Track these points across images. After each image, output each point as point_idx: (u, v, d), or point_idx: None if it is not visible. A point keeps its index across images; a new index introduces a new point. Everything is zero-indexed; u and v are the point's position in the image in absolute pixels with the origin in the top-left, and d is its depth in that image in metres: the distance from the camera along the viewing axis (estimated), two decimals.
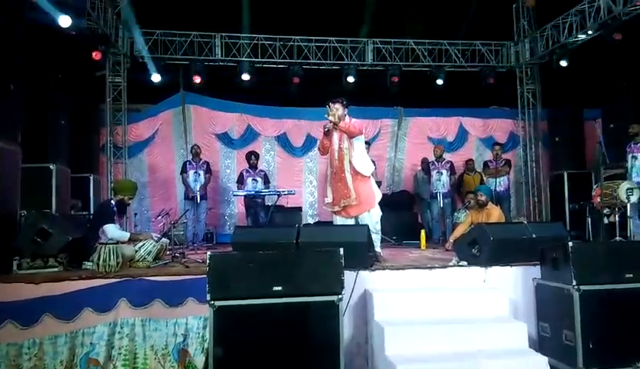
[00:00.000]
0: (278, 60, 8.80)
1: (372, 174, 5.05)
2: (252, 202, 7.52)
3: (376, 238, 4.89)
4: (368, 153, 5.39)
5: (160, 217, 6.13)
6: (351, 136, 4.83)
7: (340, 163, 4.82)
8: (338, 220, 4.93)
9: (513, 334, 3.69)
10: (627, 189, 5.45)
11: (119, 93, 8.39)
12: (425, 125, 9.54)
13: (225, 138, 9.03)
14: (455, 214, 7.69)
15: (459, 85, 9.12)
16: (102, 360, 3.79)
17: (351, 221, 4.89)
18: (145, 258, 4.62)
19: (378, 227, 4.93)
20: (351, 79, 8.77)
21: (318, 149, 5.09)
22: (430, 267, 4.31)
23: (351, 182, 4.80)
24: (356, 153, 4.84)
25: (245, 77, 8.59)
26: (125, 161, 8.53)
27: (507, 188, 8.09)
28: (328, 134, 4.80)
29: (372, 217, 4.87)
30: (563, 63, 8.29)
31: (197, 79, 8.50)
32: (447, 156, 8.54)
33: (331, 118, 4.77)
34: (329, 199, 4.89)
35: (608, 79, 8.36)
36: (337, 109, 4.80)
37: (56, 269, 4.34)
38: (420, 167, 8.89)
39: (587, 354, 3.49)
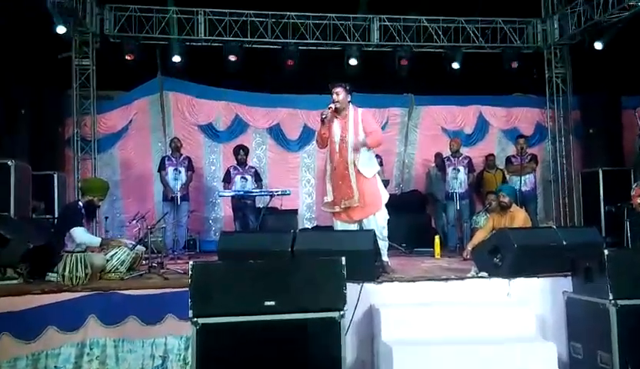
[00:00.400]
0: (271, 40, 8.79)
1: (378, 173, 5.05)
2: (241, 204, 7.52)
3: (383, 246, 4.88)
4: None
5: (135, 222, 6.13)
6: (374, 145, 4.86)
7: (342, 157, 4.81)
8: (339, 224, 4.93)
9: (540, 356, 3.69)
10: None
11: (87, 78, 8.34)
12: (440, 115, 9.54)
13: (209, 130, 9.03)
14: (474, 217, 7.70)
15: (478, 69, 9.12)
16: None
17: (354, 226, 4.89)
18: (117, 269, 4.62)
19: (385, 232, 4.93)
20: (354, 62, 8.76)
21: (316, 141, 5.10)
22: (445, 279, 4.32)
23: (355, 180, 4.79)
24: (361, 149, 4.84)
25: (233, 59, 8.58)
26: (95, 157, 8.51)
27: (533, 188, 8.11)
28: (324, 121, 4.79)
29: (378, 221, 4.86)
30: (598, 45, 8.28)
31: (177, 61, 8.49)
32: (464, 150, 8.53)
33: (332, 105, 4.76)
34: (329, 198, 4.89)
35: None
36: (337, 94, 4.81)
37: (15, 281, 4.34)
38: (433, 164, 8.90)
39: None
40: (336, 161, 4.84)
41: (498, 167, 8.60)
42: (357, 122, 4.85)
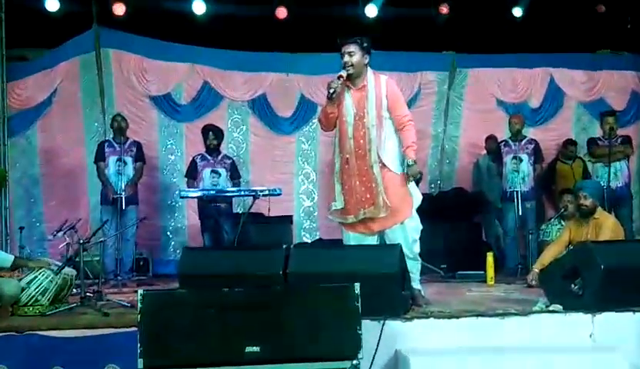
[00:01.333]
0: None
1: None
2: (212, 209, 7.51)
3: (413, 267, 4.87)
4: None
5: (62, 234, 6.10)
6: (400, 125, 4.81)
7: (360, 147, 4.76)
8: (352, 238, 4.91)
9: None
10: None
11: None
12: (493, 81, 9.51)
13: (166, 104, 9.02)
14: (543, 226, 7.67)
15: (549, 16, 9.07)
16: None
17: (373, 240, 4.88)
18: (37, 300, 4.60)
19: (417, 248, 4.90)
20: (372, 11, 8.72)
21: (319, 121, 5.07)
22: (502, 315, 4.31)
23: (380, 179, 4.73)
24: (386, 134, 4.78)
25: (199, 7, 8.57)
26: (4, 143, 8.50)
27: (627, 183, 8.05)
28: (333, 98, 4.71)
29: (408, 233, 4.83)
30: None
31: (119, 8, 8.46)
32: (529, 132, 8.49)
33: (343, 71, 4.72)
34: (338, 204, 4.84)
35: None
36: (350, 54, 4.75)
37: None
38: (485, 151, 8.87)
39: None
40: (349, 151, 4.77)
41: (578, 156, 8.56)
42: (380, 96, 4.78)
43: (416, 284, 4.89)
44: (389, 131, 4.80)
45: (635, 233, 8.29)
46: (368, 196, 4.74)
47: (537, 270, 5.60)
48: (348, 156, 4.78)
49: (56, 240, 6.54)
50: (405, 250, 4.63)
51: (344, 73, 4.71)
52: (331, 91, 4.66)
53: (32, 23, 8.48)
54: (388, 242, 4.82)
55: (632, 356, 4.09)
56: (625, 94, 9.61)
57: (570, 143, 8.69)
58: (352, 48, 4.75)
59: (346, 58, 4.74)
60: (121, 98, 8.84)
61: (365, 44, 4.77)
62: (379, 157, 4.72)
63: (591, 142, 8.23)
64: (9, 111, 8.55)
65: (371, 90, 4.78)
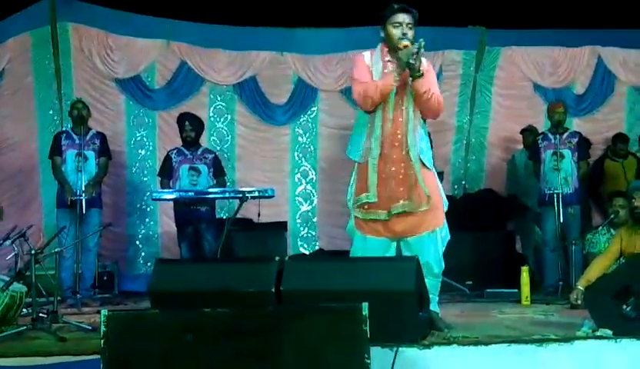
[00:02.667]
0: None
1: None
2: (190, 213, 7.52)
3: (434, 285, 4.91)
4: None
5: (9, 243, 6.09)
6: (434, 114, 4.93)
7: (395, 135, 4.83)
8: (368, 241, 4.92)
9: None
10: None
11: None
12: (528, 61, 9.56)
13: (136, 88, 9.06)
14: (589, 236, 7.66)
15: None
16: None
17: (392, 252, 4.90)
18: None
19: (442, 264, 4.97)
20: None
21: (364, 96, 4.80)
22: (540, 341, 4.29)
23: (421, 175, 4.82)
24: (420, 122, 4.89)
25: None
26: None
27: None
28: (413, 66, 4.63)
29: (439, 244, 4.91)
30: None
31: None
32: (574, 123, 8.52)
33: (411, 46, 4.64)
34: (371, 197, 4.84)
35: None
36: (410, 26, 4.78)
37: None
38: (521, 146, 8.89)
39: None
40: (386, 139, 4.84)
41: (632, 152, 8.62)
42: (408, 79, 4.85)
43: (434, 307, 4.92)
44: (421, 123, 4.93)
45: None
46: (402, 189, 4.80)
47: (582, 288, 5.56)
48: (384, 144, 4.84)
49: (2, 249, 6.54)
50: (432, 265, 4.75)
51: (413, 48, 4.62)
52: (410, 60, 4.59)
53: None
54: (404, 253, 4.84)
55: None
56: None
57: (620, 139, 8.69)
58: (410, 19, 4.82)
59: (406, 30, 4.77)
60: (81, 81, 8.89)
61: (417, 18, 4.87)
62: (417, 143, 4.83)
63: None
64: None
65: None
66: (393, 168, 4.81)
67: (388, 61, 4.86)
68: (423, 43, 4.64)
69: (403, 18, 4.80)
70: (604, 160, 8.71)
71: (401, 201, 4.80)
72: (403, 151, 4.81)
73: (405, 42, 4.67)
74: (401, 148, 4.82)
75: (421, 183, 4.79)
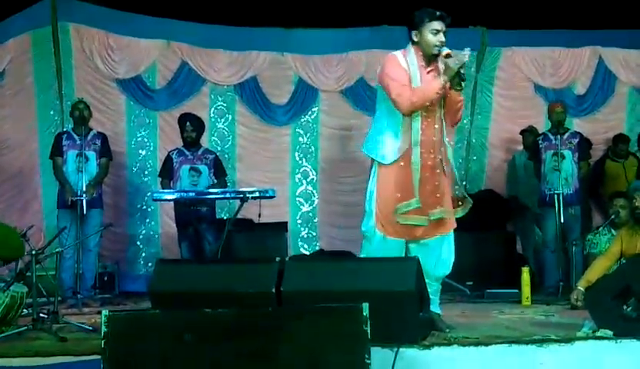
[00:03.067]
0: None
1: None
2: (191, 214, 7.52)
3: (434, 288, 4.94)
4: None
5: None
6: (457, 122, 5.04)
7: (428, 140, 4.84)
8: (378, 244, 4.90)
9: None
10: None
11: None
12: (531, 62, 9.56)
13: (137, 88, 9.06)
14: (590, 236, 7.66)
15: None
16: None
17: (402, 250, 4.93)
18: None
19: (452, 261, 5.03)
20: None
21: (410, 100, 4.73)
22: (540, 342, 4.29)
23: (450, 173, 4.94)
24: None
25: None
26: None
27: None
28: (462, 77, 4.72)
29: (452, 246, 4.98)
30: None
31: None
32: (573, 123, 8.49)
33: (461, 56, 4.67)
34: (414, 203, 4.80)
35: None
36: (445, 34, 4.78)
37: None
38: (521, 147, 8.88)
39: None
40: (424, 145, 4.83)
41: (631, 152, 8.62)
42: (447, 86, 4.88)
43: (436, 308, 4.94)
44: None
45: None
46: (438, 195, 4.86)
47: (582, 289, 5.54)
48: (424, 146, 4.83)
49: None
50: (443, 267, 4.86)
51: (457, 59, 4.65)
52: (462, 70, 4.64)
53: None
54: (421, 255, 4.80)
55: None
56: None
57: (621, 139, 8.69)
58: (445, 27, 4.82)
59: (443, 38, 4.76)
60: (82, 82, 8.88)
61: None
62: (448, 156, 4.89)
63: None
64: None
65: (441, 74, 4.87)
66: (427, 174, 4.82)
67: (422, 65, 4.84)
68: (469, 52, 4.74)
69: (442, 25, 4.79)
70: (604, 160, 8.70)
71: (438, 208, 4.85)
72: (438, 158, 4.84)
73: (447, 50, 4.68)
74: (436, 155, 4.84)
75: (449, 192, 4.92)
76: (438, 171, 4.85)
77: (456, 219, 5.04)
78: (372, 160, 4.96)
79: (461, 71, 4.65)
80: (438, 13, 4.80)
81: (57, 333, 4.76)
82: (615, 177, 8.37)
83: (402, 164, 4.80)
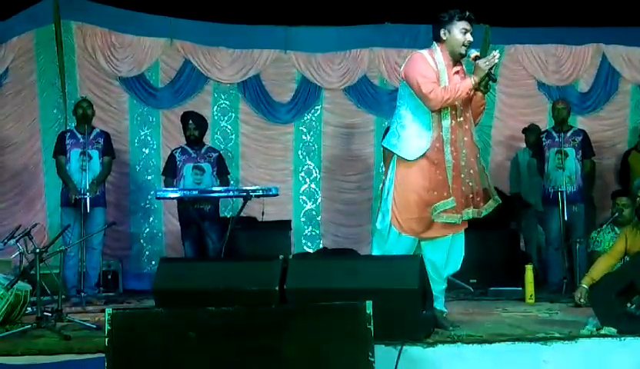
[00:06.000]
0: None
1: None
2: (194, 212, 7.49)
3: (443, 287, 4.98)
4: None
5: (14, 242, 6.09)
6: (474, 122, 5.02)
7: (456, 139, 4.85)
8: (393, 239, 4.89)
9: None
10: None
11: None
12: (533, 60, 9.57)
13: (140, 87, 9.07)
14: (593, 234, 7.64)
15: None
16: None
17: (414, 247, 4.93)
18: None
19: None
20: None
21: (443, 97, 4.74)
22: (544, 339, 4.29)
23: (481, 171, 4.95)
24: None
25: None
26: None
27: None
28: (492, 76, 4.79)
29: (462, 245, 5.02)
30: None
31: None
32: (577, 121, 8.48)
33: (492, 58, 4.76)
34: (450, 202, 4.82)
35: None
36: (472, 34, 4.87)
37: None
38: (523, 144, 8.89)
39: None
40: (454, 144, 4.85)
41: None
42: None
43: (441, 306, 4.95)
44: None
45: None
46: (471, 195, 4.86)
47: (586, 287, 5.54)
48: (455, 146, 4.85)
49: (7, 248, 6.54)
50: (454, 265, 4.93)
51: (489, 61, 4.74)
52: (493, 71, 4.72)
53: None
54: (433, 254, 4.89)
55: None
56: None
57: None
58: (471, 27, 4.88)
59: (470, 37, 4.84)
60: (85, 80, 8.89)
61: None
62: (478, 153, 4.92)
63: None
64: None
65: (466, 75, 4.93)
66: (460, 174, 4.83)
67: (448, 64, 4.85)
68: (498, 54, 4.81)
69: (469, 26, 4.85)
70: (630, 152, 8.70)
71: (471, 209, 4.87)
72: (471, 159, 4.85)
73: (476, 52, 4.79)
74: (469, 155, 4.85)
75: (486, 187, 4.93)
76: (471, 171, 4.85)
77: None
78: (389, 157, 4.97)
79: (491, 73, 4.70)
80: (467, 13, 4.86)
81: (61, 331, 4.75)
82: (638, 169, 8.36)
83: (435, 161, 4.80)
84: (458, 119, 4.84)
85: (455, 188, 4.82)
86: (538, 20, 9.30)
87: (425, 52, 4.91)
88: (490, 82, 4.80)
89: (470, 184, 4.85)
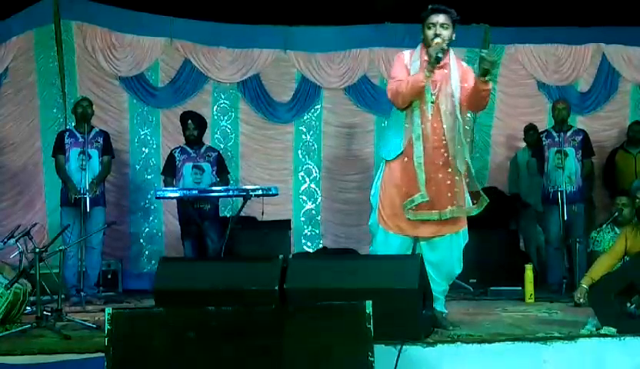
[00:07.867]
0: None
1: None
2: (194, 212, 7.51)
3: (444, 288, 4.99)
4: None
5: (13, 241, 6.09)
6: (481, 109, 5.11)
7: (435, 136, 4.83)
8: (380, 238, 4.92)
9: None
10: None
11: None
12: (533, 60, 9.56)
13: (139, 86, 9.06)
14: (593, 234, 7.65)
15: None
16: None
17: (408, 248, 4.92)
18: None
19: (462, 264, 5.04)
20: None
21: (394, 94, 4.85)
22: (544, 339, 4.29)
23: (464, 171, 4.90)
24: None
25: None
26: None
27: None
28: (439, 61, 4.72)
29: (462, 245, 5.01)
30: None
31: None
32: (577, 121, 8.47)
33: (441, 42, 4.75)
34: (424, 196, 4.79)
35: None
36: (445, 26, 4.82)
37: None
38: (523, 144, 8.89)
39: None
40: (427, 140, 4.84)
41: None
42: (459, 81, 4.93)
43: (441, 307, 4.96)
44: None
45: None
46: (450, 194, 4.84)
47: (586, 287, 5.55)
48: (428, 142, 4.84)
49: (6, 248, 6.53)
50: (452, 266, 4.91)
51: (441, 43, 4.75)
52: (439, 54, 4.66)
53: None
54: (432, 255, 4.87)
55: None
56: None
57: (636, 122, 8.74)
58: (445, 19, 4.84)
59: (439, 30, 4.80)
60: (85, 80, 8.88)
61: (455, 18, 4.90)
62: (463, 150, 4.86)
63: None
64: None
65: (454, 75, 4.90)
66: (437, 171, 4.82)
67: (425, 60, 4.84)
68: (439, 40, 4.76)
69: (437, 18, 4.83)
70: (617, 151, 8.73)
71: (449, 207, 4.84)
72: (450, 156, 4.82)
73: (437, 40, 4.75)
74: (448, 152, 4.83)
75: (464, 191, 4.89)
76: (449, 169, 4.83)
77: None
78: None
79: (439, 56, 4.65)
80: (430, 7, 4.86)
81: (60, 331, 4.77)
82: (624, 169, 8.37)
83: (406, 159, 4.82)
84: (431, 114, 4.82)
85: (431, 185, 4.80)
86: (537, 20, 9.28)
87: (406, 51, 5.01)
88: (439, 58, 4.69)
89: (448, 182, 4.83)
